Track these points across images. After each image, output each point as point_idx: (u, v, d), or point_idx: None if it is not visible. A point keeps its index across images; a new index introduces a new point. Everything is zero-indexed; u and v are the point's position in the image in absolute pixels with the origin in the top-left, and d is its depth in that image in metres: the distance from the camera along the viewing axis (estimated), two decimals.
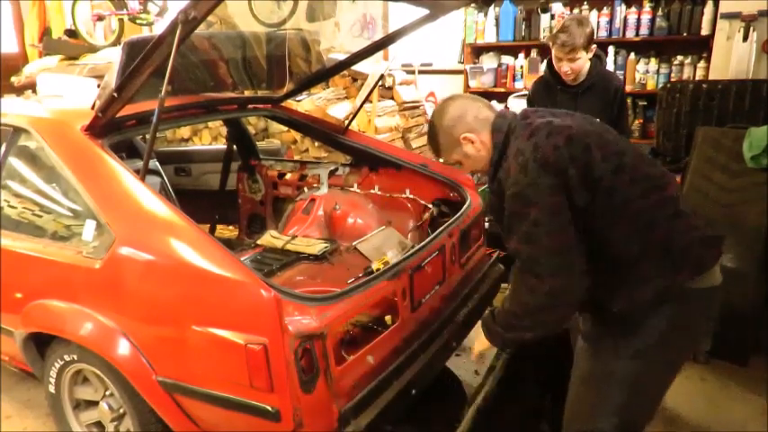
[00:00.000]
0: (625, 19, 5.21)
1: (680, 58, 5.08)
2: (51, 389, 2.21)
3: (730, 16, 4.59)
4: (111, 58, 4.92)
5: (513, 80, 5.82)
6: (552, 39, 2.77)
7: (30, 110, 2.37)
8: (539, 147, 1.54)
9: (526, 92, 4.20)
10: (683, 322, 1.60)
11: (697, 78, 4.88)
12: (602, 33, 5.21)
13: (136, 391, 1.89)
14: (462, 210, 2.58)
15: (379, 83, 5.22)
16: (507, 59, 5.87)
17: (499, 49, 5.91)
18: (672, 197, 1.61)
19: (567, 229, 1.50)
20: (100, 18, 5.83)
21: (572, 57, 2.71)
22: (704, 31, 4.86)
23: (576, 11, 5.35)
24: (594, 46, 2.80)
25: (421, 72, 6.36)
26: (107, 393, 2.12)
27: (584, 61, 2.75)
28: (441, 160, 1.92)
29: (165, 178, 3.51)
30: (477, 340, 1.84)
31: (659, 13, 5.06)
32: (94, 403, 2.20)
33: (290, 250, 2.68)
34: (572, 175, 1.51)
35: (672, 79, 5.01)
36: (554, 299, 1.53)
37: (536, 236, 1.50)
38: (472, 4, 5.57)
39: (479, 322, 1.85)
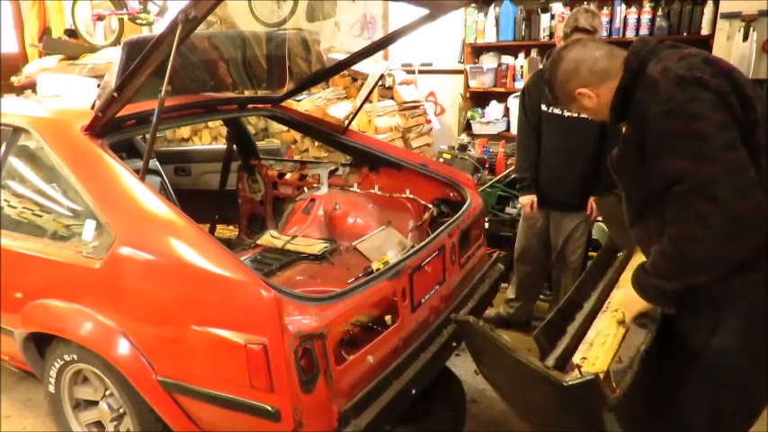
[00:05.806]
0: (625, 19, 5.20)
1: None
2: (51, 389, 2.21)
3: (730, 16, 4.58)
4: (111, 58, 4.92)
5: (514, 80, 5.81)
6: (572, 20, 2.74)
7: (30, 110, 2.37)
8: (695, 68, 1.39)
9: None
10: None
11: None
12: (602, 33, 5.20)
13: (136, 390, 1.88)
14: (462, 210, 2.58)
15: (379, 83, 5.23)
16: (507, 59, 5.86)
17: (499, 49, 5.90)
18: None
19: (739, 146, 1.32)
20: (100, 18, 5.83)
21: (591, 38, 2.69)
22: (704, 31, 4.86)
23: None
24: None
25: (421, 72, 6.36)
26: (107, 393, 2.12)
27: None
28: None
29: (165, 178, 3.50)
30: (627, 303, 1.62)
31: (659, 12, 5.05)
32: (94, 403, 2.19)
33: (290, 250, 2.68)
34: (734, 103, 1.36)
35: None
36: (738, 223, 1.31)
37: (708, 153, 1.31)
38: (472, 4, 5.57)
39: (631, 279, 1.58)
